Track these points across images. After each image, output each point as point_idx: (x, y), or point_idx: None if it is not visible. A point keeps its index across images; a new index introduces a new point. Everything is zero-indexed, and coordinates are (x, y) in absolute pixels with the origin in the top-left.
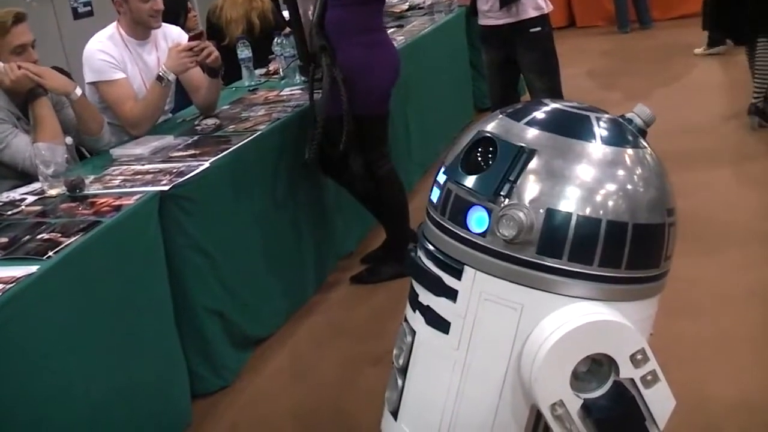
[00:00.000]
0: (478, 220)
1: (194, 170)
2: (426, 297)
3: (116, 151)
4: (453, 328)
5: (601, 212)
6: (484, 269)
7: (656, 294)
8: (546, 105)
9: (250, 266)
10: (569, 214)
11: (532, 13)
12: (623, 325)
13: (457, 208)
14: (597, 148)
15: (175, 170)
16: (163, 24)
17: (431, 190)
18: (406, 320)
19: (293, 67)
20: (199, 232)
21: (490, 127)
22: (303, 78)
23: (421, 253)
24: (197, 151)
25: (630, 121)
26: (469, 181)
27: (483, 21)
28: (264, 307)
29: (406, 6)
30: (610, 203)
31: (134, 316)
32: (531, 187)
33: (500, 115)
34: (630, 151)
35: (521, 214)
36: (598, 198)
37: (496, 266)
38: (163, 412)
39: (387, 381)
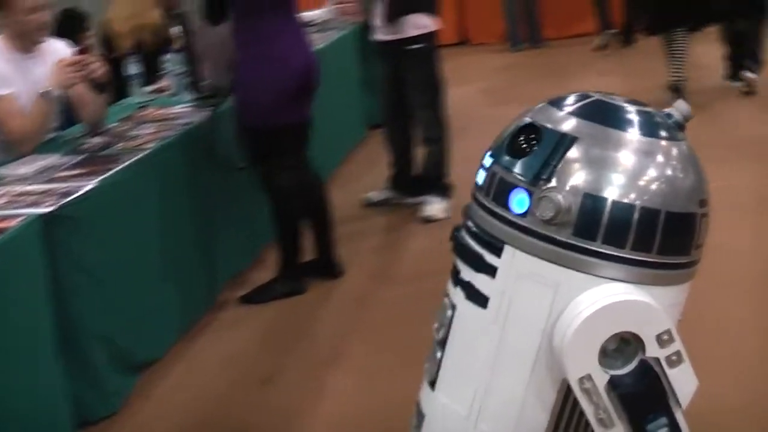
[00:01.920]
0: (519, 201)
1: (80, 190)
2: (467, 273)
3: (1, 171)
4: (491, 303)
5: (635, 199)
6: (523, 248)
7: (686, 281)
8: (589, 96)
9: (140, 287)
10: (605, 199)
11: (415, 31)
12: (651, 306)
13: (500, 190)
14: (634, 138)
15: (61, 190)
16: (51, 39)
17: (477, 173)
18: (447, 295)
19: (183, 83)
20: (86, 254)
21: (534, 114)
22: (194, 95)
23: (464, 233)
24: (84, 171)
25: (669, 115)
26: (513, 164)
27: (375, 36)
28: (153, 329)
29: None
30: (644, 190)
31: (10, 342)
32: (570, 172)
33: (544, 104)
34: (665, 142)
35: (560, 197)
36: (633, 185)
37: (535, 246)
38: None
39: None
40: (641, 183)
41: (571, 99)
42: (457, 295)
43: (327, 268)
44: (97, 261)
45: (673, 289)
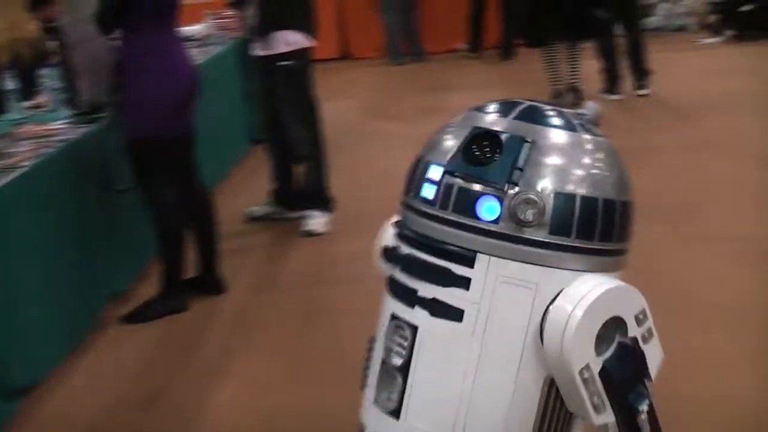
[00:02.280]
0: (489, 208)
1: None
2: (430, 290)
3: None
4: (467, 315)
5: (597, 192)
6: (498, 254)
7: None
8: (519, 101)
9: (17, 311)
10: (574, 196)
11: (285, 48)
12: (630, 289)
13: (464, 200)
14: (584, 138)
15: None
16: None
17: (419, 188)
18: (395, 318)
19: (61, 99)
20: None
21: (484, 123)
22: (72, 110)
23: (410, 250)
24: None
25: (584, 115)
26: (476, 173)
27: (253, 51)
28: (32, 353)
29: None
30: (602, 184)
31: None
32: (538, 174)
33: (475, 113)
34: (603, 139)
35: (536, 198)
36: (593, 180)
37: (511, 249)
38: None
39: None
40: (599, 177)
41: (505, 106)
42: (416, 315)
43: (211, 284)
44: None
45: (619, 275)
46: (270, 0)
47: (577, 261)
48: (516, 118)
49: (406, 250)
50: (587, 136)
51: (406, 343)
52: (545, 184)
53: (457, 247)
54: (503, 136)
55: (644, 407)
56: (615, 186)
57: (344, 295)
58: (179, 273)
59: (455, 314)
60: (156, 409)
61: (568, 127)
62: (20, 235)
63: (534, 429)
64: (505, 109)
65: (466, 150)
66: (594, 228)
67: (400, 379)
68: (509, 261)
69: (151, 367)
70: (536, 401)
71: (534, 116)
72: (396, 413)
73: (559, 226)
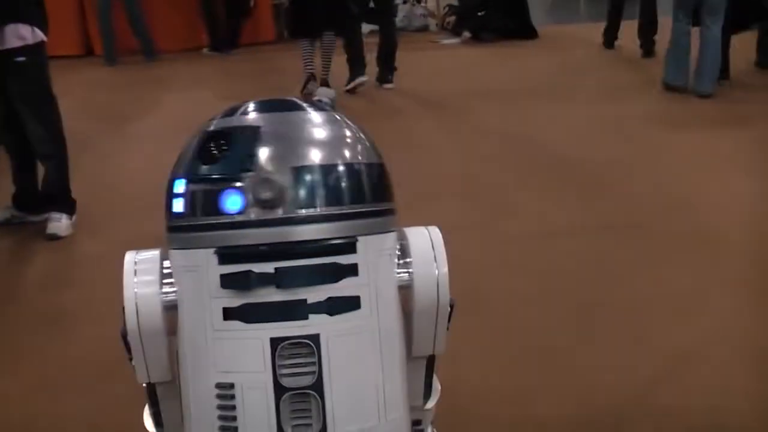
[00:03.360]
0: (232, 201)
1: None
2: (321, 292)
3: None
4: (363, 300)
5: (340, 158)
6: (371, 231)
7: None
8: (246, 102)
9: None
10: (311, 167)
11: (16, 43)
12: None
13: (209, 201)
14: (311, 114)
15: None
16: None
17: (170, 206)
18: (281, 340)
19: None
20: None
21: (212, 126)
22: None
23: (277, 264)
24: None
25: (320, 101)
26: (212, 171)
27: None
28: None
29: None
30: (344, 150)
31: None
32: (270, 155)
33: (213, 119)
34: (335, 114)
35: (273, 177)
36: (333, 148)
37: (377, 224)
38: None
39: None
40: (337, 145)
41: (234, 109)
42: (313, 323)
43: None
44: None
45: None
46: None
47: (393, 222)
48: (244, 113)
49: (267, 266)
50: (321, 113)
51: (309, 359)
52: (279, 163)
53: (339, 238)
54: (231, 131)
55: None
56: (362, 150)
57: (88, 299)
58: None
59: (354, 303)
60: None
61: (300, 107)
62: None
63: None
64: (232, 111)
65: (201, 154)
66: (386, 191)
67: (317, 399)
68: (378, 235)
69: None
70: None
71: (263, 107)
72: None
73: (303, 198)
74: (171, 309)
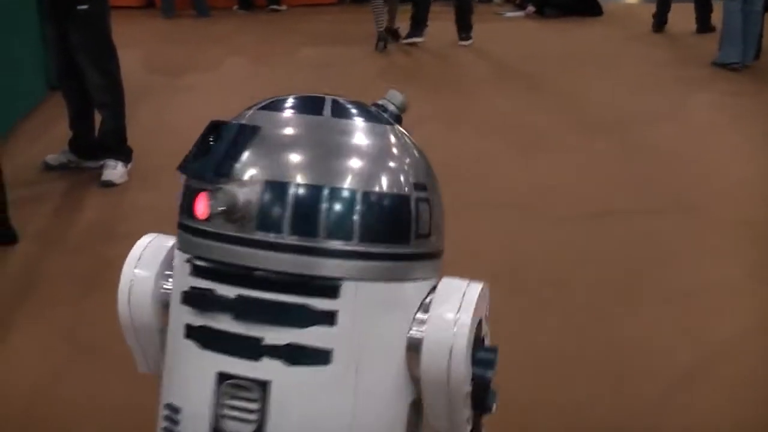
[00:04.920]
0: (199, 206)
1: None
2: (282, 335)
3: None
4: (336, 355)
5: (325, 180)
6: (366, 277)
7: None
8: (288, 97)
9: None
10: (286, 184)
11: None
12: (485, 285)
13: (187, 202)
14: (323, 120)
15: None
16: None
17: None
18: (226, 376)
19: None
20: None
21: (239, 118)
22: None
23: (239, 290)
24: None
25: (383, 107)
26: (196, 167)
27: None
28: None
29: None
30: (338, 170)
31: None
32: (250, 162)
33: (251, 108)
34: (363, 123)
35: (225, 189)
36: (322, 164)
37: (371, 269)
38: None
39: None
40: (365, 167)
41: (273, 101)
42: (265, 368)
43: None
44: None
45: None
46: None
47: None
48: (270, 107)
49: (230, 290)
50: (339, 120)
51: (253, 406)
52: (255, 173)
53: (319, 277)
54: (223, 125)
55: (495, 405)
56: (364, 174)
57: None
58: None
59: (321, 357)
60: None
61: (319, 112)
62: None
63: None
64: (273, 101)
65: (199, 145)
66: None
67: None
68: (378, 283)
69: None
70: (406, 420)
71: (281, 104)
72: None
73: (269, 221)
74: (165, 305)
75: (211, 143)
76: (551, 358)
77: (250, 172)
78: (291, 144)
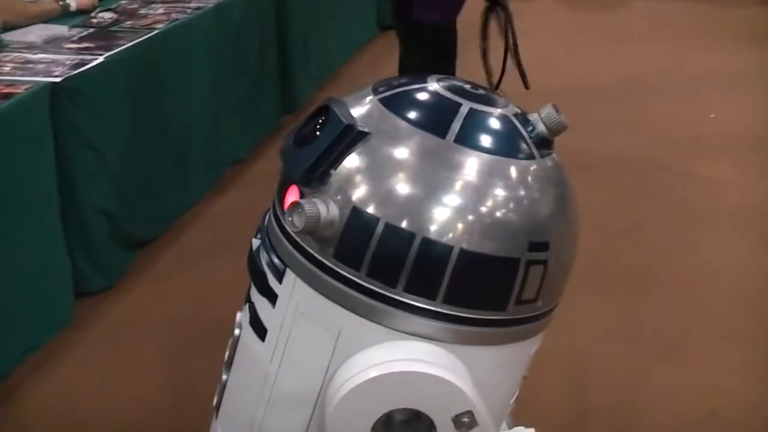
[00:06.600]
0: (287, 205)
1: (89, 63)
2: (254, 293)
3: (7, 37)
4: (269, 337)
5: (418, 226)
6: (302, 276)
7: (509, 342)
8: (426, 82)
9: (141, 167)
10: (375, 219)
11: None
12: (445, 381)
13: (279, 193)
14: (442, 147)
15: (68, 62)
16: None
17: None
18: (247, 301)
19: None
20: (90, 128)
21: (345, 94)
22: None
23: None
24: (92, 45)
25: (531, 125)
26: (292, 155)
27: None
28: (152, 209)
29: None
30: (435, 217)
31: (14, 208)
32: (345, 176)
33: (374, 85)
34: (494, 158)
35: (315, 206)
36: (419, 207)
37: (313, 275)
38: (41, 309)
39: None
40: (431, 205)
41: (400, 81)
42: (245, 314)
43: None
44: (100, 136)
45: (497, 350)
46: None
47: (391, 318)
48: (384, 100)
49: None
50: (466, 149)
51: (233, 341)
52: (346, 192)
53: (274, 251)
54: (332, 115)
55: None
56: (466, 227)
57: None
58: None
59: (261, 331)
60: None
61: (444, 132)
62: (148, 95)
63: None
64: (391, 84)
65: (305, 124)
66: (399, 271)
67: (225, 376)
68: (312, 290)
69: None
70: None
71: (406, 105)
72: (217, 409)
73: (349, 254)
74: None
75: (318, 130)
76: None
77: (341, 189)
78: (394, 170)
